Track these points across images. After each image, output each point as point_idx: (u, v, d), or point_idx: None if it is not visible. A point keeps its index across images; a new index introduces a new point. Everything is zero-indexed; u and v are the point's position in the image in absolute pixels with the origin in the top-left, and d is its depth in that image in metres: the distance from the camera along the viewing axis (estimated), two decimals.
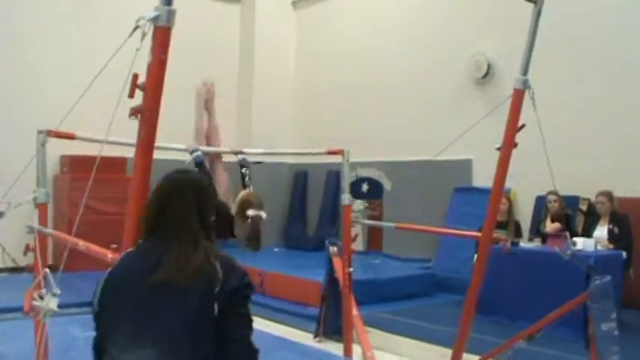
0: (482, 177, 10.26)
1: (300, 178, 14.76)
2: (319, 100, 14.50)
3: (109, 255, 3.18)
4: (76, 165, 11.33)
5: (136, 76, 3.05)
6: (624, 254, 8.04)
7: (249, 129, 14.39)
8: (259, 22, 14.72)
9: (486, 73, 11.17)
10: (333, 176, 13.20)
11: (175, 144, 5.89)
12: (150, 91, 3.07)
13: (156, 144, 5.61)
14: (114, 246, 3.30)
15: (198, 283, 2.33)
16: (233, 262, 2.46)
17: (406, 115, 12.49)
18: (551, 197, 8.78)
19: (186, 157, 5.80)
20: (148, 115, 3.09)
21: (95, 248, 3.50)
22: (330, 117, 14.02)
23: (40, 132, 4.60)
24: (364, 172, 13.17)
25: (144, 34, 3.01)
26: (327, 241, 7.20)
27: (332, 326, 7.45)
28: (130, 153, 3.24)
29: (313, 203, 14.48)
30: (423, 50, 12.32)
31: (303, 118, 14.88)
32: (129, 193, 3.16)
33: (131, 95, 3.06)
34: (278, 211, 14.66)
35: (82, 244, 3.74)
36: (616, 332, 5.26)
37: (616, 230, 8.34)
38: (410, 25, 12.67)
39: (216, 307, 2.33)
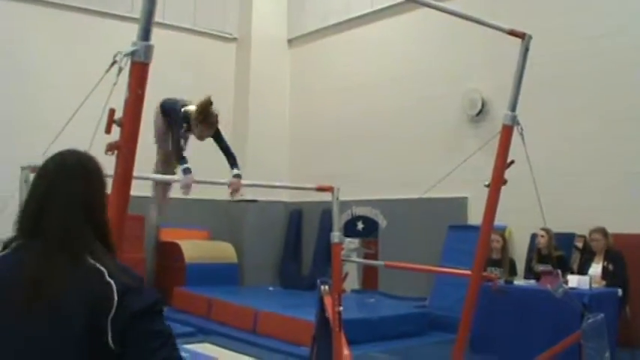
0: (478, 215, 10.10)
1: (295, 216, 14.68)
2: (314, 138, 14.49)
3: None
4: None
5: (112, 112, 3.01)
6: (620, 292, 7.95)
7: (245, 166, 14.32)
8: (254, 59, 14.77)
9: (480, 111, 11.16)
10: (328, 215, 13.04)
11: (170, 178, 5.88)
12: (127, 126, 3.02)
13: (144, 173, 5.63)
14: None
15: (78, 311, 1.75)
16: (135, 277, 1.87)
17: (401, 153, 12.47)
18: (540, 232, 8.73)
19: None
20: (124, 152, 3.04)
21: None
22: (325, 155, 14.00)
23: (23, 168, 4.55)
24: (359, 211, 13.11)
25: (120, 70, 2.98)
26: (318, 280, 7.11)
27: None
28: None
29: (308, 242, 14.39)
30: (418, 87, 12.32)
31: (299, 156, 14.86)
32: None
33: (108, 131, 3.02)
34: (273, 250, 14.59)
35: None
36: None
37: (610, 267, 8.25)
38: (404, 61, 12.70)
39: (110, 340, 1.76)
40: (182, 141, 5.51)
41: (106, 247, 1.92)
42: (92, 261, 1.82)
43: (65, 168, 1.97)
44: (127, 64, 3.02)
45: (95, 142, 3.09)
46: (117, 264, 1.87)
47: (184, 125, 5.43)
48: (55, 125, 3.77)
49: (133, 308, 1.77)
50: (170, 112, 5.58)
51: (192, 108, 5.43)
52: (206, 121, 5.34)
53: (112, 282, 1.78)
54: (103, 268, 1.80)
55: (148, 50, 3.02)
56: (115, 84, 2.94)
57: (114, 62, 3.00)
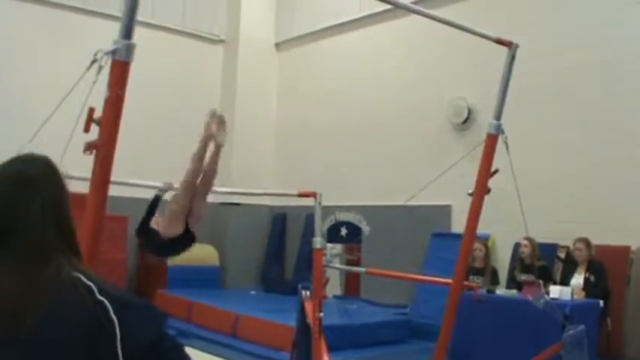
0: (462, 223, 10.10)
1: (279, 220, 14.64)
2: (300, 143, 14.47)
3: None
4: None
5: (92, 110, 2.96)
6: (601, 303, 7.95)
7: (229, 169, 14.31)
8: (242, 62, 14.72)
9: (467, 119, 11.16)
10: (312, 219, 12.98)
11: (152, 181, 5.81)
12: (105, 126, 2.97)
13: (128, 180, 5.57)
14: None
15: (71, 337, 1.40)
16: (128, 295, 1.55)
17: (386, 160, 12.45)
18: (523, 242, 8.74)
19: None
20: (103, 151, 2.99)
21: None
22: (311, 159, 13.97)
23: None
24: (343, 217, 13.08)
25: (100, 68, 2.94)
26: (299, 285, 7.09)
27: None
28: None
29: (292, 246, 14.35)
30: (404, 94, 12.31)
31: (284, 160, 14.83)
32: (82, 232, 3.05)
33: (86, 130, 2.97)
34: (255, 254, 14.54)
35: None
36: None
37: (592, 278, 8.26)
38: (391, 68, 12.69)
39: None
40: None
41: (76, 256, 1.61)
42: (75, 274, 1.48)
43: (25, 180, 1.64)
44: (107, 63, 2.98)
45: (74, 141, 3.05)
46: (99, 277, 1.55)
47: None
48: (35, 123, 3.73)
49: (145, 335, 1.50)
50: None
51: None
52: None
53: (104, 300, 1.45)
54: (90, 283, 1.47)
55: (130, 49, 2.97)
56: (94, 82, 2.89)
57: (94, 60, 2.95)
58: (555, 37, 10.17)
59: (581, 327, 5.27)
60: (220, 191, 5.90)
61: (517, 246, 9.37)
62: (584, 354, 5.19)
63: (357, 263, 12.40)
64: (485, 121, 10.41)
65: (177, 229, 4.79)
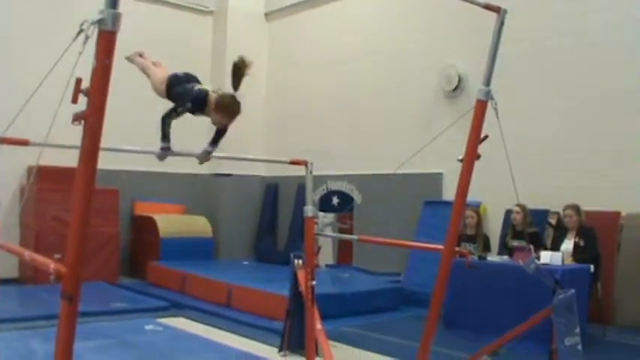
0: (453, 191, 10.05)
1: (271, 191, 14.66)
2: (290, 112, 14.45)
3: (52, 265, 3.05)
4: (43, 176, 11.10)
5: (79, 81, 2.94)
6: (592, 268, 7.99)
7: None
8: (231, 33, 14.65)
9: (457, 86, 11.15)
10: (304, 189, 13.01)
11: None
12: (94, 96, 2.95)
13: (119, 146, 5.57)
14: (57, 256, 3.17)
15: None
16: None
17: (377, 128, 12.45)
18: (515, 208, 8.77)
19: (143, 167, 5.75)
20: (91, 122, 2.97)
21: (39, 258, 3.37)
22: (302, 129, 13.97)
23: None
24: (335, 186, 13.10)
25: (87, 38, 2.92)
26: (292, 254, 7.13)
27: (297, 340, 7.33)
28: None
29: (284, 216, 14.39)
30: (394, 62, 12.29)
31: (275, 131, 14.82)
32: (72, 204, 3.04)
33: (74, 101, 2.95)
34: (248, 224, 14.59)
35: (27, 254, 3.62)
36: (579, 347, 5.20)
37: (582, 243, 8.30)
38: (381, 36, 12.65)
39: None
40: (174, 115, 5.37)
41: None
42: None
43: None
44: (94, 33, 2.96)
45: (62, 112, 3.04)
46: None
47: (190, 106, 5.35)
48: (23, 95, 3.72)
49: None
50: (177, 91, 5.48)
51: (212, 94, 5.38)
52: (227, 112, 5.31)
53: None
54: None
55: (116, 18, 2.94)
56: (80, 53, 2.87)
57: (81, 30, 2.93)
58: (547, 2, 10.13)
59: (572, 291, 5.29)
60: (215, 156, 5.86)
61: (508, 213, 9.40)
62: (575, 318, 5.22)
63: (349, 232, 12.45)
64: (475, 88, 10.41)
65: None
